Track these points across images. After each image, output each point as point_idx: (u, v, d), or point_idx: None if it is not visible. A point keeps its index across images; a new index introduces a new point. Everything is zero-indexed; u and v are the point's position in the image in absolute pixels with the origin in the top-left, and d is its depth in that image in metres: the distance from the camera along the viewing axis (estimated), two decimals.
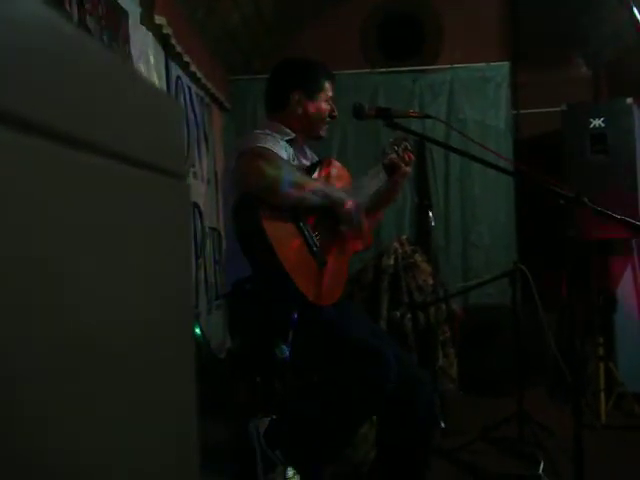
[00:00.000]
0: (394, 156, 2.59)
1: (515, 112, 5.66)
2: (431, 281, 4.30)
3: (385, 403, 2.24)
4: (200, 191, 4.73)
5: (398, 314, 4.18)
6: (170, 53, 4.11)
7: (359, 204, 2.39)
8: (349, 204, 2.35)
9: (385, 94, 5.49)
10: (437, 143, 2.61)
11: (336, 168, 2.65)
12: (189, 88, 4.56)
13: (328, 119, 2.61)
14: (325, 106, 2.58)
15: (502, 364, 4.47)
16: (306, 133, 2.60)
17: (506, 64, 5.51)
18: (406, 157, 2.61)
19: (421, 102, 5.50)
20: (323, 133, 2.63)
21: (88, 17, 3.13)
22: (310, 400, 2.32)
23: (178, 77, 4.32)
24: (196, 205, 4.57)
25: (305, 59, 2.70)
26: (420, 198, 5.22)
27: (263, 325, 2.30)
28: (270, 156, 2.18)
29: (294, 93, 2.56)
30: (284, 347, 2.13)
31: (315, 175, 2.49)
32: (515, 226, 5.40)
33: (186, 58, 4.29)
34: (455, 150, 2.71)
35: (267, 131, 2.38)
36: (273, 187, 2.12)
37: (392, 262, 4.34)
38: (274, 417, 2.32)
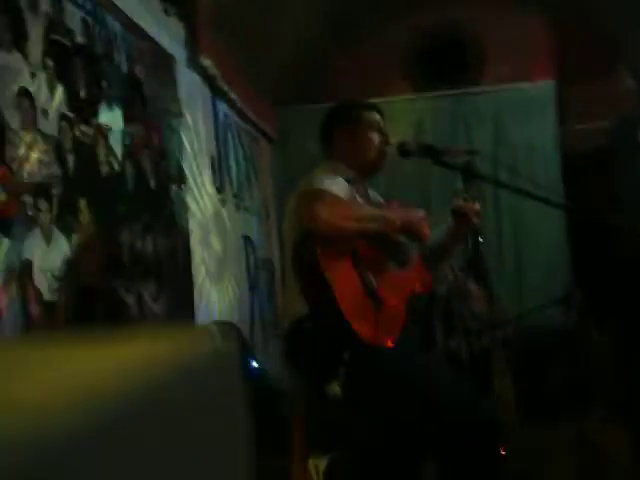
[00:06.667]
0: (463, 204, 2.57)
1: (562, 129, 5.61)
2: (485, 307, 4.27)
3: (446, 441, 2.23)
4: (252, 224, 4.80)
5: (453, 343, 4.16)
6: (217, 92, 4.19)
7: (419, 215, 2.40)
8: (407, 215, 2.36)
9: (430, 121, 5.50)
10: (484, 179, 2.61)
11: None
12: (236, 124, 4.64)
13: (382, 148, 2.59)
14: (371, 135, 2.60)
15: (559, 388, 4.41)
16: (360, 168, 2.59)
17: (551, 82, 5.47)
18: (475, 207, 2.59)
19: (467, 127, 5.50)
20: (378, 164, 2.60)
21: (137, 67, 3.22)
22: (370, 439, 2.33)
23: (225, 114, 4.40)
24: (248, 238, 4.64)
25: (346, 100, 2.73)
26: None
27: (317, 363, 2.31)
28: (326, 197, 2.21)
29: (335, 131, 2.60)
30: (336, 385, 2.14)
31: None
32: (569, 248, 5.33)
33: (232, 95, 4.37)
34: (503, 185, 2.71)
35: (327, 170, 2.42)
36: (329, 226, 2.16)
37: (445, 291, 4.33)
38: (333, 455, 2.34)
